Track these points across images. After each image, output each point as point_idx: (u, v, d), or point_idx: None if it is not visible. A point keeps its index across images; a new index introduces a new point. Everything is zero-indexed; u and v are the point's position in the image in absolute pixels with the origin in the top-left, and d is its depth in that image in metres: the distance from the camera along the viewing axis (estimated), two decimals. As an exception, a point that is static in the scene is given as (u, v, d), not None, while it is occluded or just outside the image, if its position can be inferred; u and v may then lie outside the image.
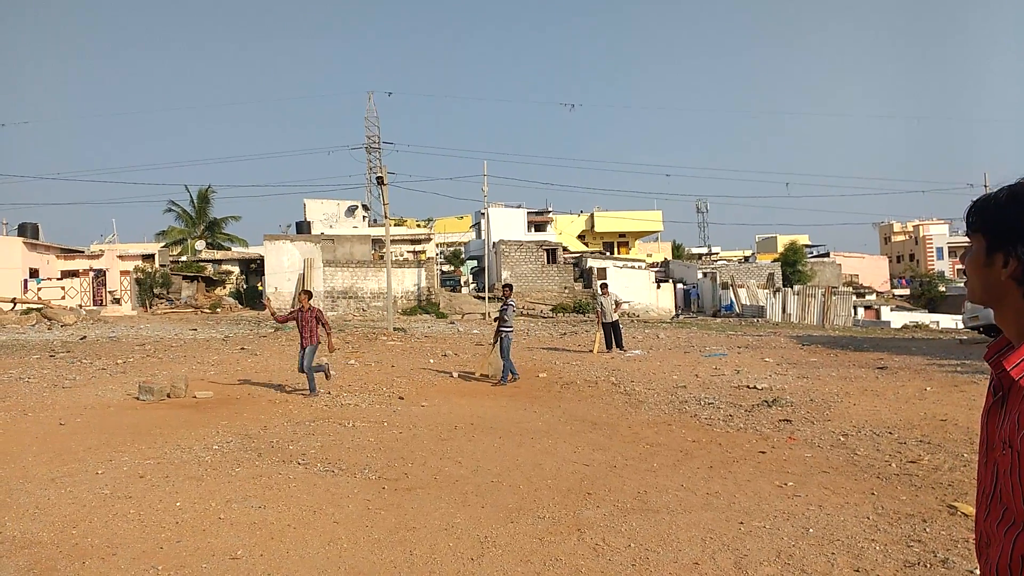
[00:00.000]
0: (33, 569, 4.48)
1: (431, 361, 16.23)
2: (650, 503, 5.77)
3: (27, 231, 39.70)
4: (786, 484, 6.21)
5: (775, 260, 53.49)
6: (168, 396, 11.07)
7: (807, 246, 66.49)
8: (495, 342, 13.44)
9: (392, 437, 8.51)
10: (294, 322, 12.04)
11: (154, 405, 10.56)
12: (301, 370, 11.74)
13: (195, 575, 4.41)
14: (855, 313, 41.34)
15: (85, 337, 21.53)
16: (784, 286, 43.53)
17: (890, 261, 72.59)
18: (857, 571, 4.20)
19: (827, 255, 65.09)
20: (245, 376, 13.50)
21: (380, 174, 23.94)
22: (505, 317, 13.36)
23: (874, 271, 65.10)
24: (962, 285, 59.22)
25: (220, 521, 5.41)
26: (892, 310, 46.72)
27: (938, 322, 41.30)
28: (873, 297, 53.26)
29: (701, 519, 5.29)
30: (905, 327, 34.23)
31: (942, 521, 5.03)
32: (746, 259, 63.69)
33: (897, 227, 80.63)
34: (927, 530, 4.85)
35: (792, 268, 51.08)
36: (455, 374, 14.11)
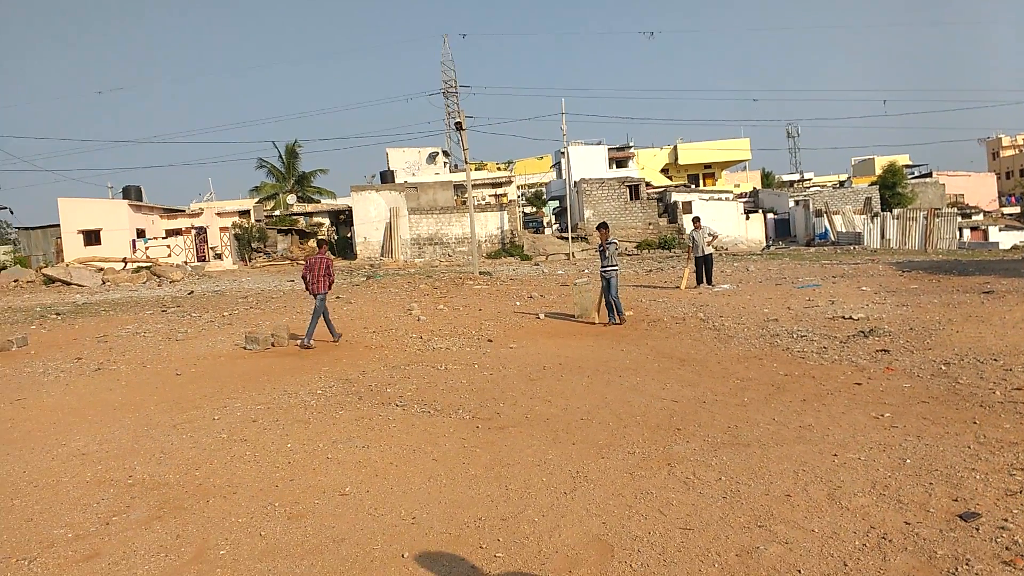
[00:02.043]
0: (163, 508, 4.92)
1: (517, 304, 16.45)
2: (741, 437, 5.79)
3: (131, 193, 41.91)
4: (883, 415, 6.10)
5: (872, 183, 50.97)
6: (272, 345, 11.69)
7: (907, 167, 62.99)
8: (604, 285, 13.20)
9: (483, 378, 8.77)
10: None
11: (260, 354, 11.19)
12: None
13: (309, 511, 4.75)
14: (960, 235, 39.24)
15: (192, 292, 22.80)
16: (883, 210, 41.51)
17: (998, 178, 67.98)
18: (956, 500, 4.14)
19: (929, 175, 61.47)
20: (341, 323, 14.06)
21: (458, 119, 23.99)
22: (607, 260, 13.14)
23: (981, 189, 61.12)
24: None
25: (328, 461, 5.77)
26: (1001, 230, 44.03)
27: (1054, 241, 38.72)
28: (980, 217, 50.23)
29: (793, 452, 5.29)
30: (1015, 247, 32.23)
31: (1049, 449, 4.86)
32: (841, 184, 60.90)
33: (1006, 141, 75.22)
34: (1032, 459, 4.71)
35: (891, 191, 48.62)
36: (542, 315, 14.28)
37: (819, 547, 3.70)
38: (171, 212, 42.09)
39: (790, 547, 3.73)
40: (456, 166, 53.47)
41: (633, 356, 9.87)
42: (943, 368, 7.71)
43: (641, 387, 7.89)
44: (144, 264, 34.63)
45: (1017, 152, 73.21)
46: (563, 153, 44.97)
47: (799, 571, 3.47)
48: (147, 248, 38.20)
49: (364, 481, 5.27)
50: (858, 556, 3.57)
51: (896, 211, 39.66)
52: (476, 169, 49.63)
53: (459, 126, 23.72)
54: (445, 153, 52.68)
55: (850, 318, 11.45)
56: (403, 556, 3.99)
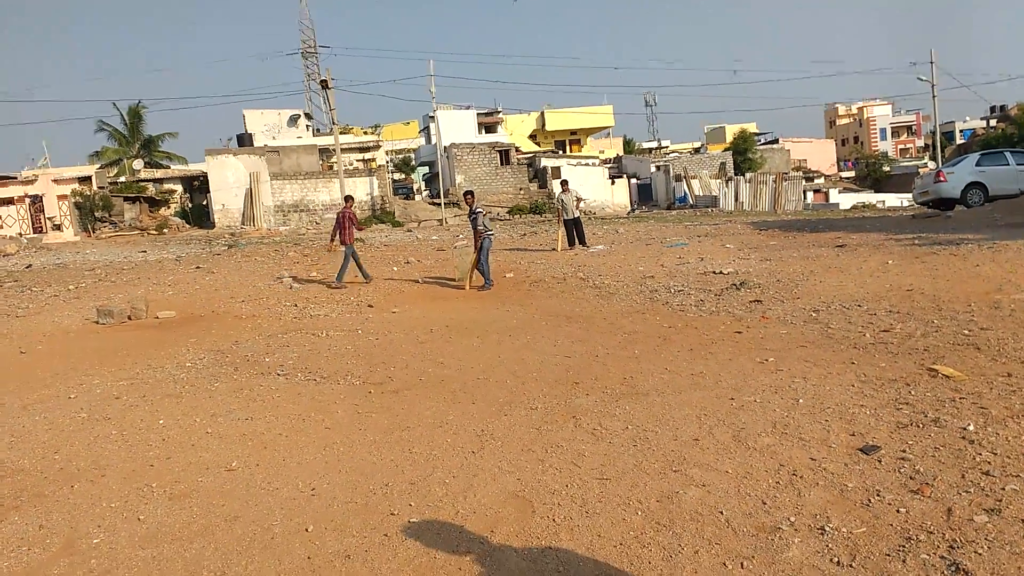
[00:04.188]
0: (21, 496, 4.34)
1: (394, 269, 16.02)
2: (638, 387, 5.82)
3: (-51, 160, 37.42)
4: (767, 360, 6.31)
5: (725, 150, 53.62)
6: (129, 318, 10.74)
7: (755, 134, 66.69)
8: (476, 251, 12.99)
9: (369, 343, 8.41)
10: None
11: (116, 328, 10.24)
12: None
13: (193, 489, 4.32)
14: (805, 197, 42.00)
15: (31, 266, 20.67)
16: (736, 175, 43.79)
17: (836, 144, 73.43)
18: (853, 435, 4.30)
19: (776, 142, 65.44)
20: (204, 294, 13.14)
21: (323, 78, 22.90)
22: (483, 224, 12.97)
23: (821, 155, 65.91)
24: (905, 164, 60.44)
25: (208, 435, 5.30)
26: (840, 192, 47.72)
27: (884, 201, 42.30)
28: (821, 181, 54.13)
29: (691, 398, 5.36)
30: (854, 208, 34.94)
31: (925, 384, 5.16)
32: (697, 151, 63.72)
33: (842, 110, 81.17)
34: (912, 393, 4.98)
35: (743, 157, 51.37)
36: (421, 280, 13.97)
37: (736, 487, 3.73)
38: (1, 179, 37.91)
39: (708, 489, 3.73)
40: (319, 130, 51.41)
41: (520, 316, 9.80)
42: (813, 315, 8.11)
43: (533, 345, 7.82)
44: (-32, 237, 31.08)
45: (851, 121, 79.22)
46: (432, 117, 44.20)
47: (721, 512, 3.47)
48: (-28, 220, 34.31)
49: (252, 455, 4.87)
50: (774, 494, 3.62)
51: (748, 176, 41.96)
52: (342, 133, 47.90)
53: (324, 84, 22.67)
54: (308, 116, 50.50)
55: (720, 273, 11.91)
56: (307, 530, 3.68)
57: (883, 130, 73.83)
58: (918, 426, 4.32)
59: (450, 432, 5.04)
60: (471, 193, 14.26)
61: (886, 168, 59.23)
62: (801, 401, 5.03)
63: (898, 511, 3.33)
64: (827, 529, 3.22)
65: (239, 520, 3.85)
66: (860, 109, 77.32)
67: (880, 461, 3.87)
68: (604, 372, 6.41)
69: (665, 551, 3.18)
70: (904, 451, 3.97)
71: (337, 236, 14.13)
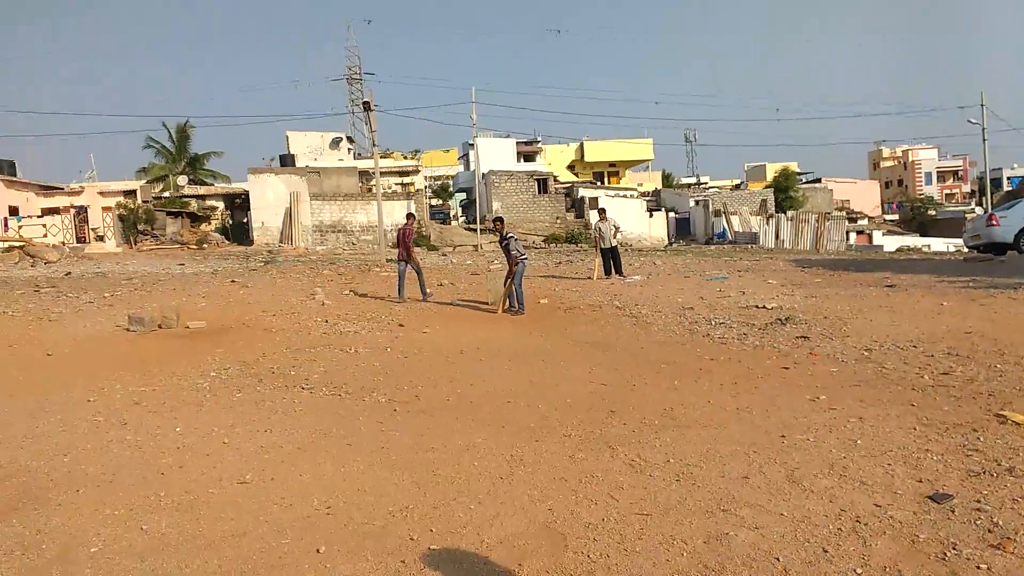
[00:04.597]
0: (23, 498, 4.13)
1: (428, 291, 15.82)
2: (679, 419, 5.46)
3: (3, 168, 38.40)
4: (819, 398, 5.91)
5: (767, 187, 52.97)
6: (159, 327, 10.63)
7: (797, 173, 65.91)
8: (510, 276, 12.74)
9: (397, 362, 8.16)
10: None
11: (145, 335, 10.14)
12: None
13: (202, 501, 4.07)
14: (848, 238, 41.13)
15: (70, 273, 20.93)
16: (776, 212, 43.13)
17: (880, 187, 72.20)
18: (920, 481, 3.90)
19: (818, 181, 64.54)
20: (237, 307, 13.05)
21: (367, 99, 23.03)
22: (516, 248, 12.69)
23: (865, 196, 64.74)
24: (951, 209, 59.11)
25: (225, 446, 5.07)
26: (884, 235, 46.65)
27: (929, 245, 41.20)
28: (865, 222, 53.09)
29: (738, 433, 4.99)
30: (900, 250, 34.05)
31: (994, 430, 4.73)
32: (737, 187, 63.12)
33: (886, 152, 79.83)
34: (981, 439, 4.55)
35: (784, 195, 50.71)
36: (454, 302, 13.75)
37: (792, 532, 3.36)
38: (48, 190, 38.79)
39: (761, 532, 3.36)
40: (360, 154, 51.97)
41: (553, 341, 9.49)
42: (866, 354, 7.67)
43: (566, 371, 7.49)
44: (17, 243, 31.73)
45: (896, 163, 77.83)
46: (471, 144, 44.39)
47: (777, 558, 3.11)
48: (20, 227, 35.10)
49: (268, 468, 4.61)
50: (836, 542, 3.24)
51: (790, 213, 41.26)
52: (382, 157, 48.32)
53: (367, 106, 22.76)
54: (349, 139, 51.09)
55: (763, 307, 11.47)
56: (319, 551, 3.40)
57: (928, 174, 72.38)
58: (991, 475, 3.91)
59: (477, 456, 4.74)
60: (500, 219, 14.25)
61: (932, 212, 57.97)
62: (859, 442, 4.63)
63: (978, 567, 2.95)
64: (899, 585, 2.85)
65: (247, 536, 3.58)
66: (905, 152, 75.98)
67: (953, 511, 3.47)
68: (642, 402, 6.06)
69: (713, 599, 2.83)
70: (979, 501, 3.57)
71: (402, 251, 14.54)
